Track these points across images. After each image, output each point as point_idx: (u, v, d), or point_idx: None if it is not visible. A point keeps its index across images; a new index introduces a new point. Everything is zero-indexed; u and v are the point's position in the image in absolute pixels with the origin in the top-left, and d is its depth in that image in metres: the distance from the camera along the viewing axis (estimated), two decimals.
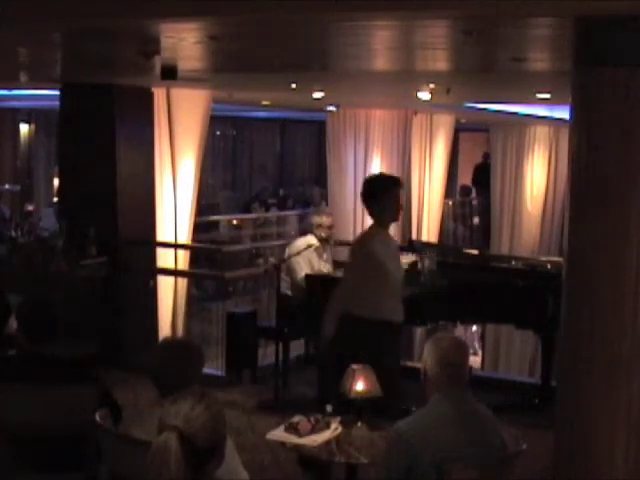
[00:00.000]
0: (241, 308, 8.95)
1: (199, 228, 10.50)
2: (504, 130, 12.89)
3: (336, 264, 7.63)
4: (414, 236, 10.75)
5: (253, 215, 15.83)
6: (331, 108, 10.48)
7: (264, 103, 11.52)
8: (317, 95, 8.39)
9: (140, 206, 7.93)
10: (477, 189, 16.49)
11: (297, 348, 7.82)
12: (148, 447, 2.30)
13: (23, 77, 8.10)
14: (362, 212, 10.57)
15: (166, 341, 4.42)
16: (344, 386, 4.29)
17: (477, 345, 12.40)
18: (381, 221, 5.41)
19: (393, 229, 10.69)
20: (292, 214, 15.74)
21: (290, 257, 7.14)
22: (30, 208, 14.26)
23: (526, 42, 4.76)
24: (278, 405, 6.49)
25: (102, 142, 7.75)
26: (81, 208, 7.73)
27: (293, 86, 7.67)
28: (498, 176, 12.95)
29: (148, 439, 2.59)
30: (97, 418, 3.64)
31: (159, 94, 8.05)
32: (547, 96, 8.18)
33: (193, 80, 6.90)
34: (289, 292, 7.25)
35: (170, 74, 5.97)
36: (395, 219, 5.58)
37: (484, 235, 14.83)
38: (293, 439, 4.22)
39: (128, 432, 3.42)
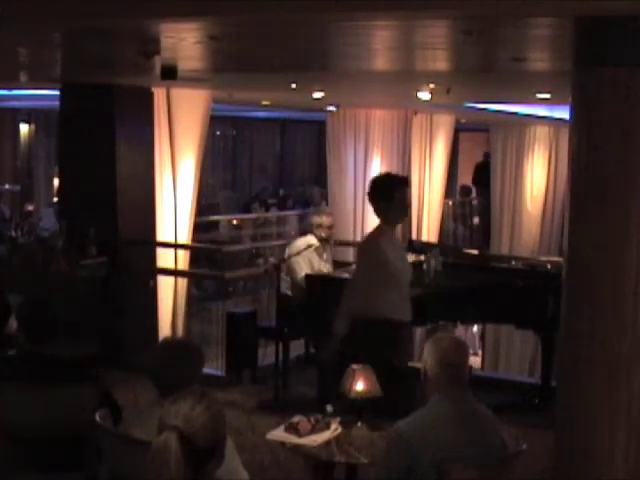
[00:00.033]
0: (241, 308, 8.95)
1: (199, 228, 10.50)
2: (504, 130, 12.89)
3: (336, 264, 7.64)
4: (414, 236, 10.74)
5: (253, 215, 15.83)
6: (331, 108, 10.48)
7: (264, 103, 11.52)
8: (317, 95, 8.39)
9: (140, 206, 7.93)
10: (477, 189, 16.49)
11: (297, 348, 7.81)
12: (148, 447, 2.30)
13: (23, 77, 8.10)
14: (362, 212, 10.60)
15: (166, 341, 4.42)
16: (344, 386, 4.29)
17: (477, 345, 12.40)
18: (388, 220, 5.41)
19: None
20: (292, 214, 15.74)
21: (290, 257, 7.14)
22: (30, 208, 14.26)
23: (526, 42, 4.77)
24: (278, 405, 6.49)
25: (102, 142, 7.75)
26: (81, 208, 7.72)
27: (293, 86, 7.67)
28: (498, 176, 12.95)
29: (148, 439, 2.59)
30: (97, 418, 3.64)
31: (159, 94, 8.05)
32: (547, 96, 8.18)
33: (193, 80, 6.90)
34: (289, 292, 7.25)
35: (170, 74, 5.97)
36: (402, 219, 5.58)
37: (484, 235, 14.83)
38: (293, 439, 4.22)
39: (128, 432, 3.42)
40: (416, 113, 10.76)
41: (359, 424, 4.29)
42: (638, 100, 3.53)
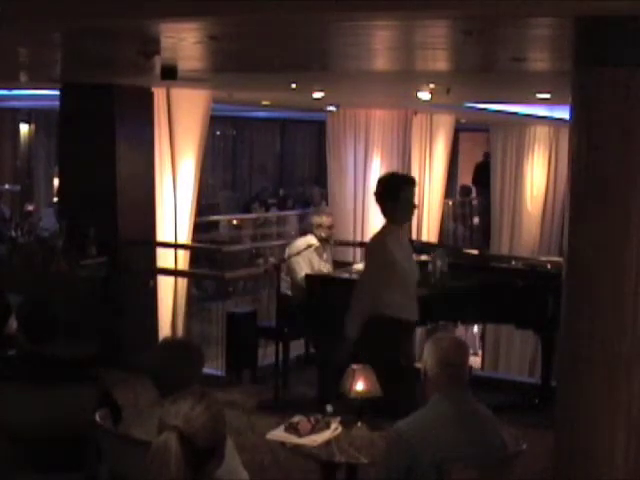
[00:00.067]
0: (241, 308, 8.95)
1: (199, 228, 10.50)
2: (504, 130, 12.88)
3: (336, 264, 7.63)
4: (414, 236, 10.74)
5: (253, 215, 15.83)
6: (331, 108, 10.48)
7: (264, 103, 11.52)
8: (317, 95, 8.39)
9: (140, 206, 7.93)
10: (477, 188, 16.49)
11: (297, 348, 7.81)
12: (148, 447, 2.30)
13: (23, 77, 8.10)
14: (362, 212, 10.60)
15: (166, 341, 4.42)
16: (344, 386, 4.29)
17: (477, 345, 12.40)
18: (395, 220, 5.40)
19: None
20: (292, 214, 15.74)
21: (290, 257, 7.14)
22: (30, 208, 14.27)
23: (526, 42, 4.77)
24: (278, 405, 6.49)
25: (102, 142, 7.75)
26: (81, 208, 7.72)
27: (293, 86, 7.67)
28: (498, 176, 12.95)
29: (148, 439, 2.59)
30: (97, 418, 3.64)
31: (159, 94, 8.05)
32: (547, 96, 8.18)
33: (193, 80, 6.90)
34: (289, 292, 7.25)
35: (170, 74, 5.97)
36: (409, 218, 5.58)
37: (484, 235, 14.83)
38: (293, 439, 4.22)
39: (128, 432, 3.42)
40: (416, 113, 10.76)
41: (359, 424, 4.29)
42: (638, 100, 3.53)
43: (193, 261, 9.08)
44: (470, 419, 3.42)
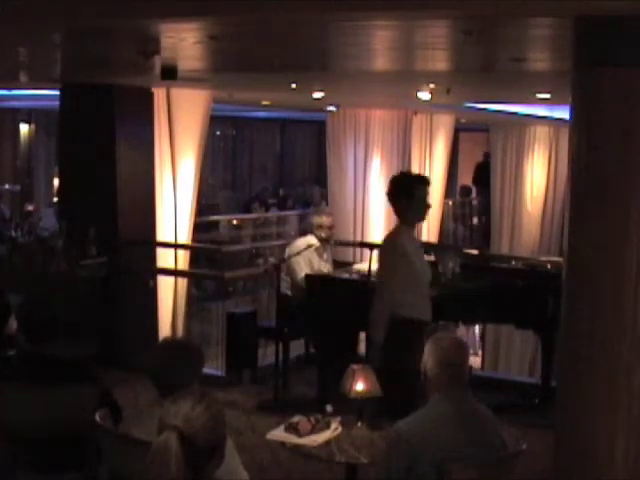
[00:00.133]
0: (241, 308, 8.95)
1: (199, 228, 10.50)
2: (504, 130, 12.88)
3: (336, 264, 7.64)
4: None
5: (253, 215, 15.83)
6: (331, 108, 10.48)
7: (264, 103, 11.52)
8: (317, 95, 8.39)
9: (140, 206, 7.93)
10: (478, 188, 16.50)
11: (297, 348, 7.82)
12: (148, 447, 2.30)
13: (23, 77, 8.10)
14: (362, 212, 10.60)
15: (166, 341, 4.43)
16: (344, 386, 4.29)
17: (477, 345, 12.40)
18: (408, 220, 5.37)
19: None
20: (292, 214, 15.74)
21: (290, 257, 7.14)
22: (30, 208, 14.27)
23: (526, 42, 4.77)
24: (278, 405, 6.49)
25: (102, 142, 7.75)
26: (81, 208, 7.72)
27: (293, 86, 7.67)
28: (498, 176, 12.94)
29: (148, 439, 2.60)
30: (97, 418, 3.64)
31: (159, 94, 8.05)
32: (547, 96, 8.18)
33: (193, 80, 6.90)
34: (289, 292, 7.25)
35: (170, 74, 5.97)
36: (422, 218, 5.56)
37: (484, 235, 14.83)
38: (293, 439, 4.22)
39: (128, 432, 3.42)
40: (416, 113, 10.76)
41: (359, 424, 4.29)
42: (638, 100, 3.53)
43: (193, 261, 9.08)
44: (470, 419, 3.42)
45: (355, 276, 6.85)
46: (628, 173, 3.55)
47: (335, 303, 6.62)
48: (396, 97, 9.27)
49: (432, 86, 7.31)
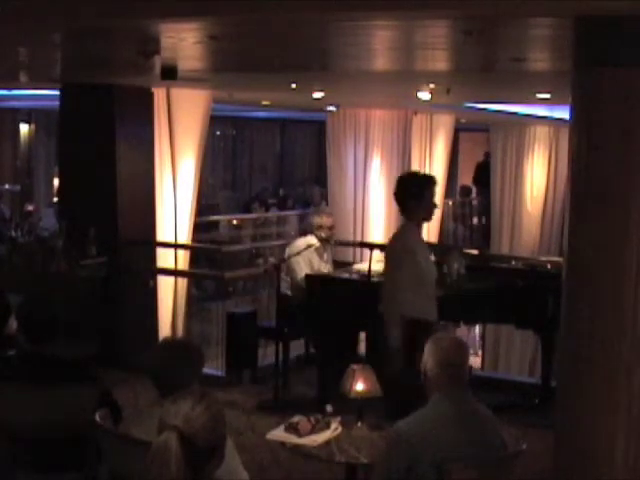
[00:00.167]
0: (241, 308, 8.95)
1: (199, 228, 10.50)
2: (504, 130, 12.88)
3: (336, 264, 7.64)
4: None
5: (253, 215, 15.83)
6: (331, 108, 10.48)
7: (264, 103, 11.52)
8: (317, 95, 8.39)
9: (140, 206, 7.93)
10: (478, 188, 16.50)
11: (297, 348, 7.82)
12: (148, 447, 2.30)
13: (23, 77, 8.10)
14: (362, 212, 10.60)
15: (166, 341, 4.43)
16: (344, 386, 4.29)
17: (477, 345, 12.40)
18: (415, 219, 5.36)
19: (394, 230, 10.68)
20: (292, 214, 15.74)
21: (290, 257, 7.15)
22: (30, 208, 14.27)
23: (526, 42, 4.76)
24: (278, 405, 6.49)
25: (102, 142, 7.75)
26: (81, 208, 7.72)
27: (293, 86, 7.67)
28: (498, 176, 12.94)
29: (148, 439, 2.60)
30: (97, 418, 3.64)
31: (159, 94, 8.05)
32: (547, 96, 8.18)
33: (193, 80, 6.90)
34: (289, 292, 7.25)
35: (170, 74, 5.97)
36: (429, 218, 5.55)
37: (484, 235, 14.83)
38: (293, 439, 4.22)
39: (128, 432, 3.42)
40: (416, 113, 10.76)
41: (359, 424, 4.29)
42: (638, 100, 3.53)
43: (193, 261, 9.08)
44: (470, 419, 3.42)
45: (355, 276, 6.85)
46: (628, 173, 3.55)
47: (335, 303, 6.62)
48: (396, 97, 9.27)
49: (432, 86, 7.31)
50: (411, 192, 5.32)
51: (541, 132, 12.82)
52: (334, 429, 4.28)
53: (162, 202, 8.20)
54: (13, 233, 7.87)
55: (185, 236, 8.55)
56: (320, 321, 6.69)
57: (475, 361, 11.23)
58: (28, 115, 16.02)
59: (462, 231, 15.84)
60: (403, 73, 6.55)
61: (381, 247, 7.79)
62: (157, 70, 6.01)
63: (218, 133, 18.88)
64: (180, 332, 8.38)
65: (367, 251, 7.14)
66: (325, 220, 7.31)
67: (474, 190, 16.83)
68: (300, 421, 4.29)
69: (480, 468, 3.40)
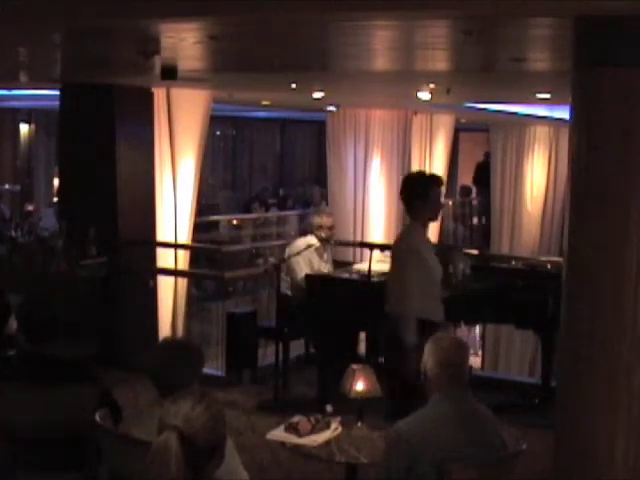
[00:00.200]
0: (241, 308, 8.95)
1: (199, 228, 10.50)
2: (504, 130, 12.88)
3: (336, 264, 7.64)
4: None
5: (253, 215, 15.83)
6: (331, 108, 10.48)
7: (264, 103, 11.52)
8: (317, 95, 8.39)
9: (140, 206, 7.93)
10: (478, 188, 16.50)
11: (297, 348, 7.81)
12: (148, 447, 2.30)
13: (23, 77, 8.10)
14: (362, 212, 10.60)
15: (166, 341, 4.43)
16: (344, 386, 4.29)
17: (477, 345, 12.40)
18: (421, 219, 5.34)
19: (394, 230, 10.69)
20: (292, 214, 15.74)
21: (290, 257, 7.14)
22: (30, 208, 14.28)
23: (526, 42, 4.76)
24: (278, 405, 6.49)
25: (102, 142, 7.75)
26: (81, 208, 7.72)
27: (293, 86, 7.67)
28: (498, 176, 12.95)
29: (148, 439, 2.60)
30: (97, 418, 3.64)
31: (159, 94, 8.05)
32: (547, 96, 8.18)
33: (193, 80, 6.90)
34: (289, 292, 7.24)
35: (170, 74, 5.97)
36: (435, 218, 5.54)
37: (484, 235, 14.83)
38: (293, 439, 4.22)
39: (128, 432, 3.42)
40: (416, 113, 10.76)
41: (359, 424, 4.29)
42: (638, 100, 3.53)
43: (193, 261, 9.08)
44: (470, 419, 3.42)
45: (355, 276, 6.85)
46: (628, 173, 3.55)
47: (335, 303, 6.62)
48: (396, 97, 9.27)
49: (432, 86, 7.31)
50: (417, 192, 5.30)
51: (541, 132, 12.82)
52: (334, 429, 4.28)
53: (162, 202, 8.20)
54: (13, 233, 7.87)
55: (185, 236, 8.55)
56: (320, 321, 6.69)
57: (475, 361, 11.23)
58: (28, 115, 16.02)
59: (462, 231, 15.84)
60: (403, 73, 6.55)
61: (381, 247, 7.83)
62: (157, 70, 6.01)
63: (218, 133, 18.88)
64: (180, 332, 8.38)
65: (367, 251, 7.14)
66: (325, 220, 7.31)
67: (474, 190, 16.83)
68: (300, 421, 4.29)
69: (480, 468, 3.41)
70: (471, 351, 7.26)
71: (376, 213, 10.57)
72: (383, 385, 4.38)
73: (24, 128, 16.30)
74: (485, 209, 15.03)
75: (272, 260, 8.58)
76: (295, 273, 7.14)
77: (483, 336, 12.00)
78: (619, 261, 3.56)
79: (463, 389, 3.45)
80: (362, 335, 7.37)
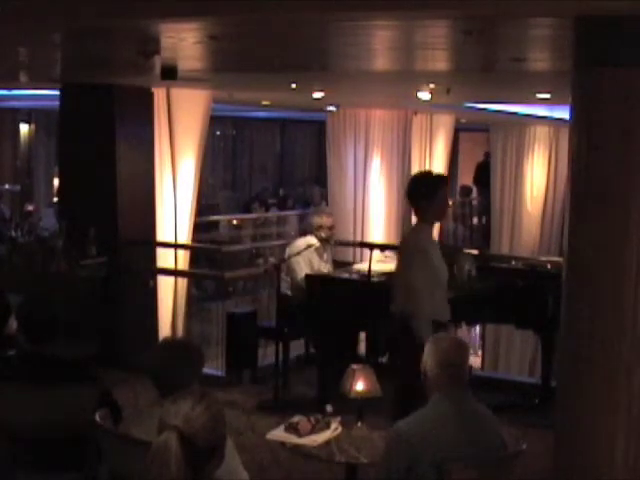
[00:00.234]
0: (241, 308, 8.94)
1: (199, 228, 10.50)
2: (504, 130, 12.88)
3: (336, 264, 7.63)
4: None
5: (253, 215, 15.83)
6: (331, 108, 10.48)
7: (264, 103, 11.52)
8: (317, 95, 8.39)
9: (140, 206, 7.93)
10: (478, 188, 16.50)
11: (297, 348, 7.81)
12: (148, 447, 2.30)
13: (23, 77, 8.10)
14: (362, 212, 10.60)
15: (166, 341, 4.43)
16: (344, 386, 4.29)
17: (477, 345, 12.40)
18: (428, 219, 5.32)
19: (394, 230, 10.69)
20: (292, 214, 15.74)
21: (290, 257, 7.14)
22: (30, 208, 14.28)
23: (526, 42, 4.77)
24: (278, 405, 6.49)
25: (102, 142, 7.75)
26: (81, 208, 7.72)
27: (293, 86, 7.67)
28: (498, 176, 12.95)
29: (148, 439, 2.60)
30: (97, 418, 3.64)
31: (159, 94, 8.05)
32: (547, 96, 8.18)
33: (193, 80, 6.90)
34: (289, 292, 7.24)
35: (170, 74, 5.97)
36: (442, 218, 5.54)
37: (484, 235, 14.83)
38: (293, 439, 4.22)
39: (128, 432, 3.42)
40: (416, 113, 10.76)
41: (359, 424, 4.29)
42: (638, 100, 3.53)
43: (193, 261, 9.08)
44: (470, 419, 3.42)
45: (355, 276, 6.85)
46: (628, 173, 3.56)
47: (335, 303, 6.62)
48: (396, 97, 9.27)
49: (432, 86, 7.31)
50: (423, 192, 5.28)
51: (541, 132, 12.82)
52: (334, 429, 4.28)
53: (162, 202, 8.20)
54: (13, 233, 7.87)
55: (185, 236, 8.55)
56: (320, 321, 6.68)
57: (475, 361, 11.23)
58: (28, 115, 16.02)
59: (462, 231, 15.84)
60: (403, 73, 6.55)
61: (381, 247, 7.83)
62: (157, 70, 6.01)
63: (218, 133, 18.88)
64: (180, 332, 8.37)
65: (367, 251, 7.14)
66: (325, 220, 7.31)
67: (475, 190, 16.83)
68: (300, 421, 4.29)
69: (480, 468, 3.41)
70: (471, 351, 7.24)
71: (376, 213, 10.57)
72: (383, 385, 4.38)
73: (24, 128, 16.31)
74: (485, 209, 15.03)
75: (272, 260, 8.58)
76: (295, 273, 7.14)
77: (483, 336, 12.00)
78: (619, 261, 3.57)
79: (463, 389, 3.45)
80: (362, 335, 7.37)
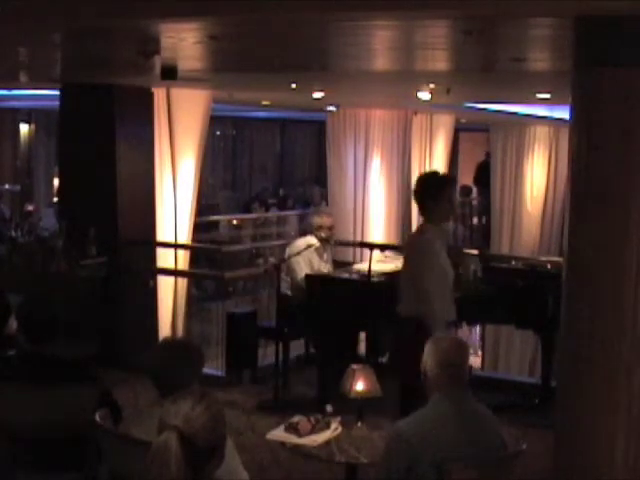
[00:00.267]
0: (241, 308, 8.94)
1: (199, 228, 10.49)
2: (504, 130, 12.87)
3: (336, 264, 7.63)
4: None
5: (253, 215, 15.83)
6: (331, 108, 10.48)
7: (264, 103, 11.52)
8: (317, 95, 8.39)
9: (140, 206, 7.93)
10: (479, 188, 16.50)
11: (297, 348, 7.81)
12: (148, 447, 2.30)
13: (23, 77, 8.10)
14: (362, 212, 10.60)
15: (166, 341, 4.43)
16: (344, 386, 4.29)
17: (477, 345, 12.40)
18: (434, 219, 5.32)
19: (394, 230, 10.68)
20: (292, 214, 15.74)
21: (290, 257, 7.14)
22: (30, 208, 14.28)
23: (526, 42, 4.77)
24: (278, 405, 6.49)
25: (102, 142, 7.75)
26: (81, 208, 7.72)
27: (293, 86, 7.67)
28: (498, 176, 12.94)
29: (148, 439, 2.60)
30: (97, 418, 3.64)
31: (159, 94, 8.05)
32: (547, 96, 8.18)
33: (193, 80, 6.90)
34: (289, 292, 7.24)
35: (170, 74, 5.97)
36: (448, 218, 5.53)
37: (484, 235, 14.83)
38: (293, 439, 4.22)
39: (128, 432, 3.42)
40: (416, 113, 10.76)
41: (359, 424, 4.29)
42: (638, 100, 3.53)
43: (193, 261, 9.08)
44: (470, 419, 3.42)
45: (355, 276, 6.85)
46: (628, 173, 3.56)
47: (335, 303, 6.62)
48: (396, 97, 9.27)
49: (432, 86, 7.31)
50: (429, 192, 5.27)
51: (541, 132, 12.81)
52: (334, 429, 4.28)
53: (162, 202, 8.20)
54: (13, 233, 7.87)
55: (185, 236, 8.55)
56: (320, 321, 6.68)
57: (475, 361, 11.23)
58: (28, 115, 16.02)
59: (462, 231, 15.84)
60: (403, 73, 6.55)
61: (381, 247, 7.83)
62: (157, 70, 6.01)
63: (218, 133, 18.88)
64: (180, 332, 8.37)
65: (367, 251, 7.14)
66: (325, 220, 7.31)
67: (475, 190, 16.83)
68: (300, 421, 4.29)
69: (480, 468, 3.41)
70: (471, 351, 7.25)
71: (376, 213, 10.57)
72: (383, 385, 4.38)
73: (24, 128, 16.30)
74: (485, 209, 15.03)
75: (272, 260, 8.59)
76: (295, 273, 7.14)
77: (483, 336, 12.00)
78: (619, 261, 3.57)
79: (463, 389, 3.45)
80: (362, 335, 7.37)
